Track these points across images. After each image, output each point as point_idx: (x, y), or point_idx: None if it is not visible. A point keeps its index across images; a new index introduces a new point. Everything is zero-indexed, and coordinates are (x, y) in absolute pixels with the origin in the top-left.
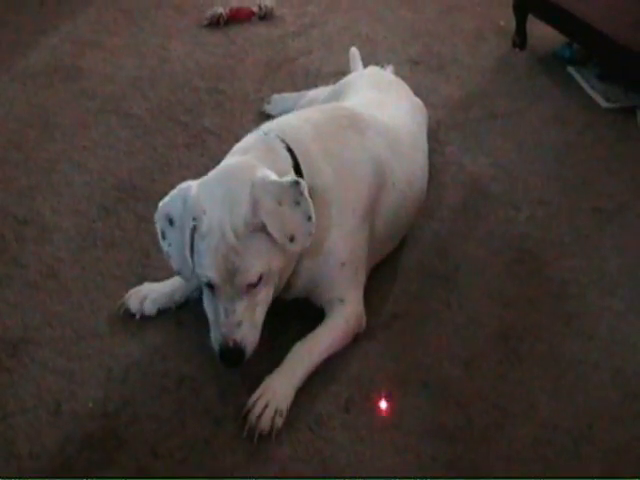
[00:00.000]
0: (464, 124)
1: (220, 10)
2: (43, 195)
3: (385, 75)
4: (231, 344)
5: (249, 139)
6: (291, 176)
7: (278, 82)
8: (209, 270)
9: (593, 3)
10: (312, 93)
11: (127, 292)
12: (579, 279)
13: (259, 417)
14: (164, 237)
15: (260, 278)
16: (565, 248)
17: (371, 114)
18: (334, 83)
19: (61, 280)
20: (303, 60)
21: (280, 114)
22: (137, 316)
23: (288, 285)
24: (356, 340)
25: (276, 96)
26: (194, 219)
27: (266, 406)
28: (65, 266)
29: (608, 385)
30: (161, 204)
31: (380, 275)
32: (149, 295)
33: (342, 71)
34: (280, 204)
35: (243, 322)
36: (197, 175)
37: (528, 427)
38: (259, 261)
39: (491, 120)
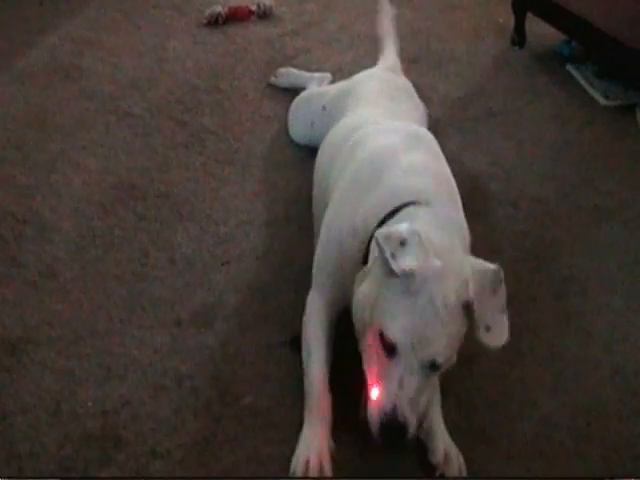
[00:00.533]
0: (463, 122)
1: (219, 9)
2: (42, 195)
3: (395, 79)
4: (401, 419)
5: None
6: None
7: None
8: (402, 332)
9: (592, 1)
10: (307, 93)
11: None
12: (578, 277)
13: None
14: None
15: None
16: (564, 246)
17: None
18: (334, 82)
19: (60, 279)
20: (302, 59)
21: (286, 87)
22: None
23: None
24: (354, 339)
25: (282, 70)
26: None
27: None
28: (64, 265)
29: (608, 382)
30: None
31: None
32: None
33: (341, 69)
34: (483, 288)
35: (414, 400)
36: (196, 174)
37: (528, 424)
38: (454, 341)
39: (490, 118)
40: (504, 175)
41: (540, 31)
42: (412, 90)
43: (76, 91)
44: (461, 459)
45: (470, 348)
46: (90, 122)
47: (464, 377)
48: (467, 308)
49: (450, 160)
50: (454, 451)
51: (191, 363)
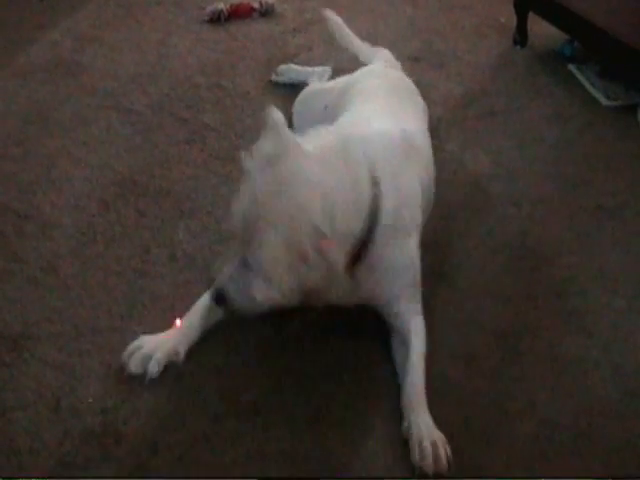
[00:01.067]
0: (464, 121)
1: (221, 6)
2: (43, 190)
3: (396, 76)
4: (218, 287)
5: (339, 155)
6: None
7: None
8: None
9: (594, 1)
10: (310, 90)
11: (125, 346)
12: (579, 277)
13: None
14: None
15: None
16: (565, 246)
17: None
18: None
19: (61, 275)
20: (304, 56)
21: (288, 83)
22: (145, 379)
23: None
24: (355, 337)
25: (283, 67)
26: None
27: (434, 446)
28: (65, 262)
29: (608, 383)
30: None
31: None
32: (153, 354)
33: (343, 68)
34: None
35: (234, 279)
36: (197, 171)
37: (528, 425)
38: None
39: (491, 117)
40: (506, 174)
41: (542, 31)
42: (413, 87)
43: (77, 87)
44: (442, 451)
45: (470, 348)
46: (91, 118)
47: (464, 377)
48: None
49: (451, 159)
50: (428, 446)
51: (191, 360)
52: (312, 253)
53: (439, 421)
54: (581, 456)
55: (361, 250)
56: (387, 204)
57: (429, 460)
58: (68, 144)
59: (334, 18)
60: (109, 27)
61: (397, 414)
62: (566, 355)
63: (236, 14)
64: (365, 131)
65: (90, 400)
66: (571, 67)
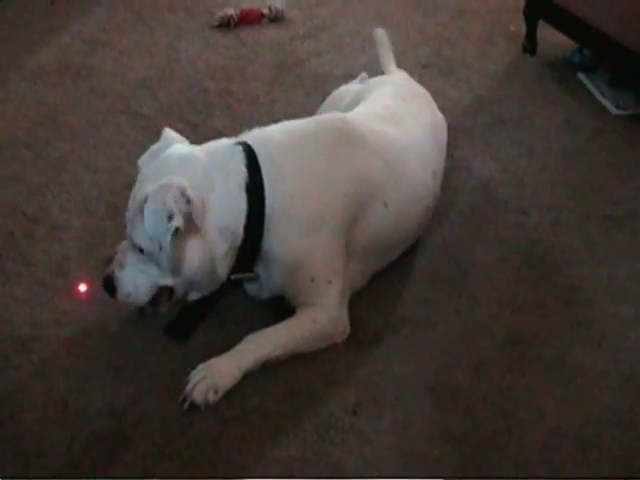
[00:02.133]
0: (473, 129)
1: (230, 12)
2: (52, 193)
3: (413, 85)
4: (110, 274)
5: (219, 146)
6: None
7: (288, 84)
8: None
9: (604, 9)
10: (342, 89)
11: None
12: (588, 286)
13: (194, 387)
14: None
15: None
16: (574, 254)
17: (375, 129)
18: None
19: (70, 278)
20: (313, 62)
21: None
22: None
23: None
24: (363, 344)
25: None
26: None
27: (204, 378)
28: (74, 264)
29: (616, 392)
30: None
31: (388, 279)
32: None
33: (352, 74)
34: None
35: (125, 267)
36: None
37: (536, 433)
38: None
39: (500, 125)
40: (514, 182)
41: (551, 39)
42: (430, 99)
43: (87, 90)
44: (205, 386)
45: (478, 356)
46: (101, 121)
47: (472, 385)
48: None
49: (460, 167)
50: (206, 375)
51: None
52: (179, 216)
53: (447, 427)
54: (589, 465)
55: (257, 243)
56: (275, 196)
57: (190, 385)
58: (78, 147)
59: (383, 38)
60: (119, 31)
61: (403, 421)
62: (574, 364)
63: (246, 20)
64: (284, 126)
65: (98, 403)
66: (580, 75)
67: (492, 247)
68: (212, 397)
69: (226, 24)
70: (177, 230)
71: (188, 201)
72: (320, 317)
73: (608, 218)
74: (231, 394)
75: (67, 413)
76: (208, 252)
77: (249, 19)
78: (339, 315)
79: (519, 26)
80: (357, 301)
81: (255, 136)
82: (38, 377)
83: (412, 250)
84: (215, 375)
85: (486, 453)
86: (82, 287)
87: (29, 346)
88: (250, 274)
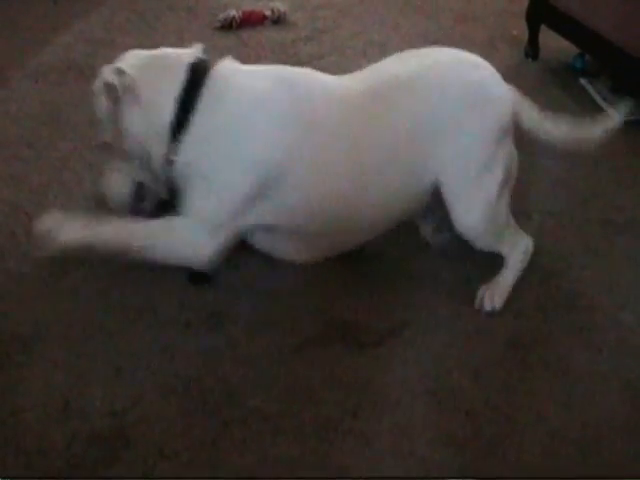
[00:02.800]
0: None
1: (233, 13)
2: (54, 193)
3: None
4: None
5: (174, 56)
6: None
7: None
8: None
9: (606, 15)
10: None
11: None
12: (589, 291)
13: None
14: None
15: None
16: (575, 259)
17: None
18: None
19: (72, 278)
20: (315, 65)
21: None
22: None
23: None
24: (364, 346)
25: None
26: None
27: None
28: (75, 264)
29: (617, 397)
30: None
31: (390, 282)
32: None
33: None
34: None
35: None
36: None
37: (537, 437)
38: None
39: None
40: (516, 187)
41: (554, 44)
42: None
43: (89, 90)
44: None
45: (479, 360)
46: None
47: (473, 388)
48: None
49: None
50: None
51: (200, 365)
52: (115, 80)
53: (448, 430)
54: (590, 471)
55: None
56: (205, 114)
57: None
58: (80, 147)
59: None
60: (122, 31)
61: (403, 424)
62: (575, 369)
63: (248, 21)
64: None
65: (98, 403)
66: (582, 81)
67: (493, 252)
68: (51, 242)
69: (228, 25)
70: (117, 99)
71: (123, 75)
72: (180, 228)
73: (610, 223)
74: (232, 396)
75: (67, 412)
76: (145, 124)
77: (251, 21)
78: (203, 240)
79: (521, 31)
80: (358, 304)
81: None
82: (39, 376)
83: (413, 253)
84: (53, 226)
85: (486, 457)
86: None
87: (30, 345)
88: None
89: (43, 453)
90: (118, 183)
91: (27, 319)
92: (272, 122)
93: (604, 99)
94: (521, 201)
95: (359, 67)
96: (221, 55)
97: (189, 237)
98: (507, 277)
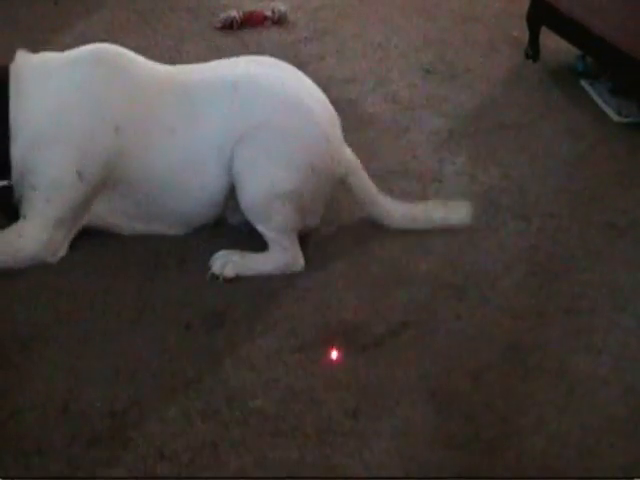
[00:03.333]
0: (475, 134)
1: (234, 14)
2: None
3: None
4: None
5: None
6: None
7: None
8: None
9: (607, 17)
10: None
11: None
12: (589, 294)
13: None
14: None
15: None
16: (576, 262)
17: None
18: (347, 89)
19: (71, 279)
20: (315, 65)
21: None
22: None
23: None
24: (364, 348)
25: None
26: None
27: None
28: (75, 265)
29: (617, 401)
30: None
31: (389, 282)
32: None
33: (355, 78)
34: None
35: None
36: None
37: (536, 440)
38: None
39: (503, 131)
40: (516, 188)
41: (554, 45)
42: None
43: None
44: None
45: (479, 362)
46: None
47: (472, 391)
48: None
49: (462, 172)
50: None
51: (200, 366)
52: None
53: (447, 432)
54: (589, 473)
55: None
56: (19, 110)
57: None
58: None
59: None
60: (123, 32)
61: (403, 426)
62: (575, 372)
63: (249, 22)
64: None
65: (98, 404)
66: (583, 83)
67: (493, 253)
68: None
69: (229, 26)
70: None
71: None
72: (27, 232)
73: (610, 226)
74: (232, 397)
75: (67, 413)
76: None
77: (252, 21)
78: (48, 237)
79: (522, 32)
80: (358, 305)
81: (25, 61)
82: (38, 377)
83: (412, 254)
84: None
85: (486, 459)
86: None
87: (30, 345)
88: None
89: (43, 454)
90: None
91: (26, 320)
92: (84, 110)
93: (605, 101)
94: (521, 203)
95: (360, 68)
96: (222, 56)
97: (38, 239)
98: (257, 262)
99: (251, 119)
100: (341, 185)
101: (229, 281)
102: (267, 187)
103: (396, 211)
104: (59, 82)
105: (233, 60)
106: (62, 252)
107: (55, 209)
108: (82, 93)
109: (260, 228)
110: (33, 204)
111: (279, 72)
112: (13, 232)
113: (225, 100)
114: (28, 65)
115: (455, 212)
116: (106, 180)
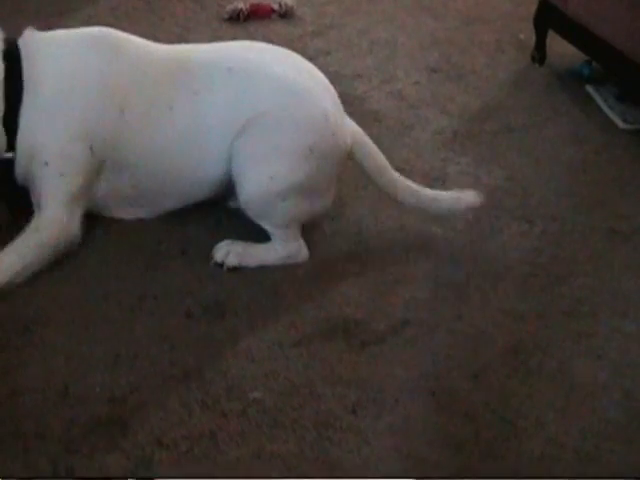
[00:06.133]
0: (480, 135)
1: (240, 5)
2: None
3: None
4: None
5: None
6: None
7: None
8: None
9: (614, 22)
10: None
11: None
12: (591, 298)
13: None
14: None
15: None
16: (578, 266)
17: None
18: (353, 86)
19: (73, 264)
20: (322, 60)
21: None
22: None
23: None
24: (364, 344)
25: None
26: None
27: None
28: (78, 251)
29: (617, 406)
30: None
31: (391, 280)
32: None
33: (360, 74)
34: None
35: None
36: None
37: (535, 442)
38: None
39: (507, 133)
40: (520, 191)
41: (561, 49)
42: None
43: None
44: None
45: (479, 362)
46: None
47: (472, 390)
48: None
49: (466, 173)
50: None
51: (200, 355)
52: None
53: (446, 432)
54: (587, 478)
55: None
56: (29, 88)
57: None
58: None
59: None
60: (129, 19)
61: (402, 423)
62: (575, 376)
63: (255, 14)
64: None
65: (98, 389)
66: (589, 88)
67: (496, 254)
68: None
69: (236, 17)
70: None
71: None
72: (44, 223)
73: (613, 232)
74: (231, 388)
75: (66, 397)
76: None
77: (259, 13)
78: (66, 217)
79: (529, 35)
80: (360, 301)
81: (30, 39)
82: (39, 360)
83: (414, 252)
84: None
85: (484, 459)
86: None
87: (31, 328)
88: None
89: (41, 437)
90: None
91: (28, 303)
92: (92, 90)
93: (610, 107)
94: (525, 205)
95: (366, 64)
96: None
97: (56, 226)
98: (259, 253)
99: (247, 106)
100: (349, 158)
101: (232, 270)
102: (266, 184)
103: (405, 185)
104: (67, 59)
105: (230, 43)
106: (79, 233)
107: (69, 183)
108: (89, 74)
109: (261, 223)
110: (46, 181)
111: (273, 55)
112: (32, 229)
113: (221, 83)
114: (36, 39)
115: (463, 199)
116: (110, 158)
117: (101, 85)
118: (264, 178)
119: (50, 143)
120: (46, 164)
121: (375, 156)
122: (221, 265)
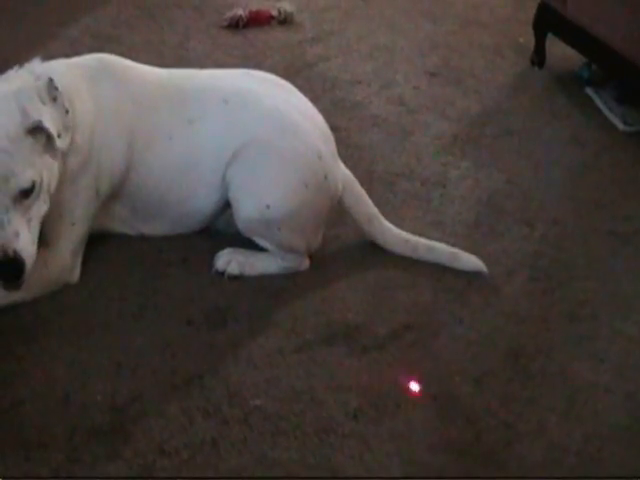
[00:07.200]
0: (480, 139)
1: (240, 12)
2: None
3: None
4: (11, 254)
5: (17, 79)
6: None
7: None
8: None
9: (613, 25)
10: None
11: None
12: (592, 301)
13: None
14: None
15: (33, 186)
16: (579, 269)
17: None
18: (352, 91)
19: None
20: (321, 67)
21: None
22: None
23: None
24: (366, 350)
25: None
26: None
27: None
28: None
29: (619, 409)
30: None
31: (392, 284)
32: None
33: (360, 80)
34: (44, 103)
35: (20, 233)
36: None
37: (537, 446)
38: (31, 165)
39: (507, 137)
40: (520, 194)
41: (560, 53)
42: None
43: None
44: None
45: (480, 367)
46: None
47: (474, 395)
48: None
49: (466, 176)
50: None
51: (201, 363)
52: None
53: (448, 437)
54: None
55: None
56: None
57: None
58: None
59: None
60: (128, 27)
61: (404, 428)
62: (577, 379)
63: (255, 21)
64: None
65: (99, 397)
66: (589, 90)
67: (496, 258)
68: None
69: (235, 24)
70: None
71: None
72: (51, 261)
73: (613, 234)
74: (233, 395)
75: (68, 405)
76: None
77: (258, 20)
78: (71, 264)
79: (528, 38)
80: (361, 306)
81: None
82: (40, 368)
83: (417, 259)
84: None
85: (486, 464)
86: None
87: (32, 336)
88: None
89: (43, 446)
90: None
91: (29, 311)
92: (104, 130)
93: (610, 109)
94: (525, 208)
95: (365, 70)
96: (227, 54)
97: (63, 266)
98: (261, 262)
99: (242, 138)
100: (338, 205)
101: (233, 279)
102: (261, 212)
103: (395, 236)
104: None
105: (227, 72)
106: (79, 272)
107: (79, 229)
108: (98, 108)
109: (260, 244)
110: (59, 227)
111: (271, 88)
112: (41, 264)
113: (217, 113)
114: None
115: (462, 262)
116: (111, 194)
117: (111, 123)
118: (260, 205)
119: (68, 200)
120: (60, 216)
121: (365, 204)
122: (222, 273)
